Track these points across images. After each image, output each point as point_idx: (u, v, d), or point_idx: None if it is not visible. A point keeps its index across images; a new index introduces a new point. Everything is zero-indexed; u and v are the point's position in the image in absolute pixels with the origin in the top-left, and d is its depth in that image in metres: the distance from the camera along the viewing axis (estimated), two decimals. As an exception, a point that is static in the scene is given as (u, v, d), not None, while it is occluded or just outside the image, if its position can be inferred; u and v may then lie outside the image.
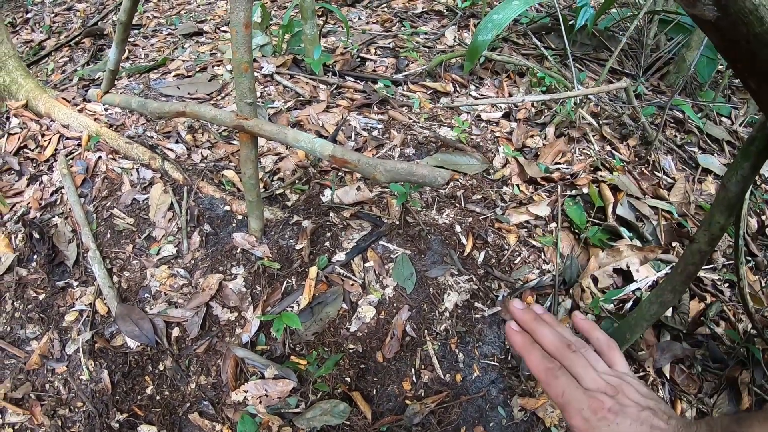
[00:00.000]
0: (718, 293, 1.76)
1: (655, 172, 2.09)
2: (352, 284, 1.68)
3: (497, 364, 1.60)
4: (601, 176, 2.02)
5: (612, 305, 1.74)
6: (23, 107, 2.04)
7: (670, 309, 1.72)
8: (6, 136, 1.98)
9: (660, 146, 2.14)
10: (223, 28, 2.81)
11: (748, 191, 1.30)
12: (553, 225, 1.91)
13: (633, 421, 0.51)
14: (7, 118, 2.04)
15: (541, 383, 0.59)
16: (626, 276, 1.79)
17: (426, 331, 1.62)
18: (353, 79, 2.39)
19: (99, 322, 1.67)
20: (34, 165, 1.98)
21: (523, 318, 0.68)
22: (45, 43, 2.70)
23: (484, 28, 2.11)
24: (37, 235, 1.78)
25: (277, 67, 2.35)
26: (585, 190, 1.99)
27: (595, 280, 1.77)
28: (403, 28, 2.82)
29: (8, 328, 1.67)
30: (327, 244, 1.77)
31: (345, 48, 2.57)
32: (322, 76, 2.34)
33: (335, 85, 2.32)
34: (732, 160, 1.56)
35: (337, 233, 1.80)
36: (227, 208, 1.86)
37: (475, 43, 2.11)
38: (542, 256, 1.83)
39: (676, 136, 2.29)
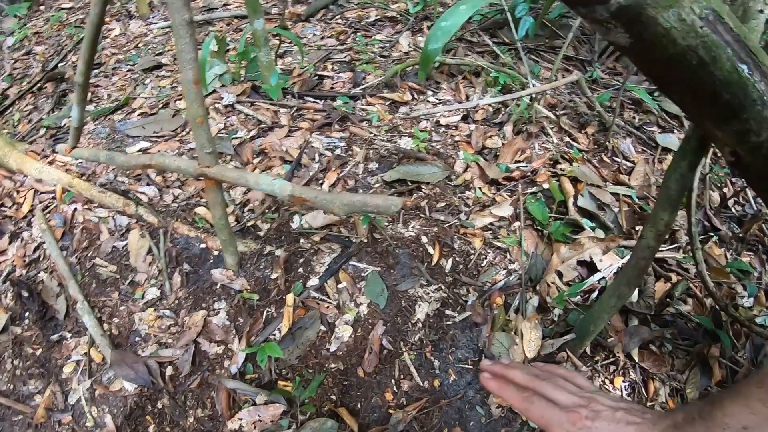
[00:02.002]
0: (683, 272, 1.84)
1: (615, 158, 2.16)
2: (328, 306, 1.77)
3: (471, 366, 1.70)
4: (561, 169, 2.10)
5: (579, 297, 1.83)
6: (-6, 166, 2.11)
7: (636, 293, 1.81)
8: (-19, 197, 2.05)
9: (618, 131, 2.20)
10: (182, 60, 2.82)
11: (695, 182, 1.38)
12: (516, 224, 1.99)
13: (609, 422, 0.58)
14: (-18, 180, 2.10)
15: (522, 412, 0.67)
16: (591, 267, 1.87)
17: (401, 343, 1.72)
18: (312, 99, 2.44)
19: (96, 369, 1.76)
20: (14, 223, 2.05)
21: (494, 369, 0.78)
22: (8, 91, 2.73)
23: (433, 37, 2.16)
24: (26, 293, 1.86)
25: (237, 96, 2.40)
26: (546, 186, 2.07)
27: (560, 274, 1.86)
28: (357, 40, 2.85)
29: (11, 386, 1.76)
30: (300, 270, 1.86)
31: (302, 68, 2.61)
32: (282, 100, 2.40)
33: (295, 108, 2.37)
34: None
35: (309, 258, 1.88)
36: (203, 245, 1.94)
37: (425, 52, 2.17)
38: (508, 257, 1.92)
39: (634, 117, 2.35)
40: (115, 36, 3.18)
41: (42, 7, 3.67)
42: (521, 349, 1.73)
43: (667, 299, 1.78)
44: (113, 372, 1.73)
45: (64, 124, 2.40)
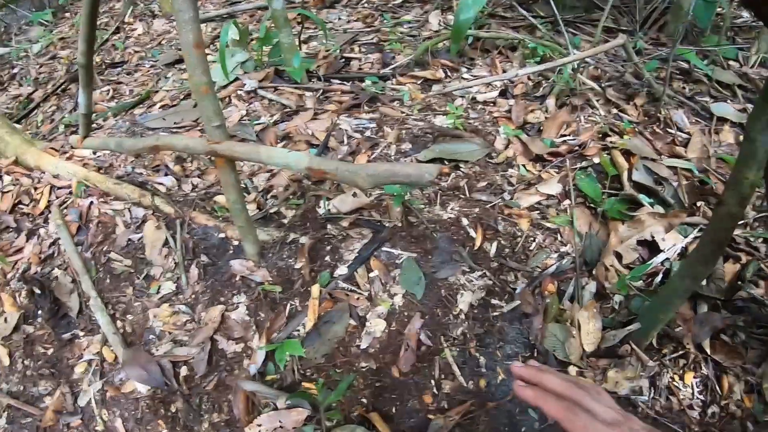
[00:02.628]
0: (753, 251, 1.59)
1: (668, 130, 1.92)
2: (358, 298, 1.59)
3: (522, 363, 1.48)
4: (611, 142, 1.87)
5: (641, 281, 1.60)
6: (13, 164, 2.04)
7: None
8: (0, 194, 1.97)
9: (669, 101, 1.97)
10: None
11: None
12: (566, 202, 1.77)
13: None
14: (0, 177, 2.03)
15: (562, 423, 0.62)
16: (652, 247, 1.64)
17: (442, 338, 1.52)
18: (339, 81, 2.30)
19: (108, 370, 1.63)
20: (31, 220, 1.96)
21: (527, 374, 0.74)
22: (33, 95, 2.71)
23: (464, 7, 1.99)
24: (38, 290, 1.76)
25: (260, 81, 2.28)
26: (596, 160, 1.85)
27: (619, 256, 1.63)
28: (384, 21, 2.70)
29: (21, 387, 1.65)
30: (327, 258, 1.69)
31: (327, 51, 2.48)
32: (306, 84, 2.26)
33: (321, 91, 2.23)
34: (751, 106, 1.39)
35: (336, 246, 1.71)
36: (222, 235, 1.80)
37: (457, 23, 1.99)
38: (559, 238, 1.71)
39: (684, 88, 2.12)
40: (139, 35, 3.14)
41: (67, 14, 3.70)
42: (578, 342, 1.51)
43: (738, 282, 1.52)
44: (125, 372, 1.59)
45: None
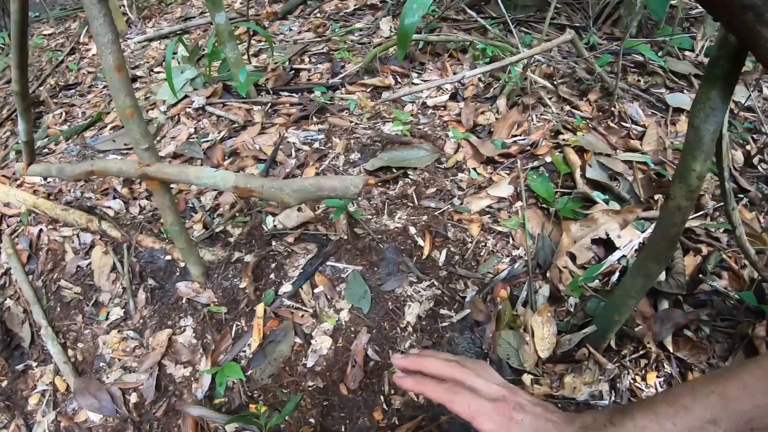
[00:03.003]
0: (713, 242, 1.55)
1: (623, 123, 1.89)
2: (303, 315, 1.55)
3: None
4: (564, 140, 1.84)
5: (597, 281, 1.56)
6: (-38, 193, 2.01)
7: (664, 273, 1.52)
8: (-51, 226, 1.95)
9: (623, 95, 1.93)
10: (156, 69, 2.74)
11: (725, 125, 1.10)
12: (518, 204, 1.73)
13: (533, 417, 0.56)
14: (-53, 209, 2.01)
15: (446, 404, 0.61)
16: (608, 245, 1.60)
17: (390, 352, 1.48)
18: (288, 94, 2.26)
19: (61, 399, 1.60)
20: (-20, 251, 1.94)
21: (407, 362, 0.71)
22: None
23: (409, 11, 1.94)
24: (-13, 323, 1.73)
25: (208, 98, 2.25)
26: (548, 159, 1.81)
27: (573, 257, 1.59)
28: (335, 30, 2.67)
29: (-21, 423, 1.63)
30: (272, 276, 1.65)
31: (275, 63, 2.45)
32: (255, 98, 2.23)
33: (269, 104, 2.20)
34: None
35: (281, 262, 1.67)
36: (168, 257, 1.76)
37: (402, 28, 1.95)
38: (511, 242, 1.67)
39: (639, 81, 2.08)
40: (93, 55, 3.11)
41: None
42: (533, 349, 1.47)
43: (699, 275, 1.49)
44: (77, 402, 1.56)
45: (38, 146, 2.30)
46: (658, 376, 1.43)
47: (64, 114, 2.55)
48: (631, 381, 1.43)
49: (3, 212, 1.99)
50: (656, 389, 1.43)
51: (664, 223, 1.13)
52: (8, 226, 1.97)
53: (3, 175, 2.11)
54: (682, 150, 1.01)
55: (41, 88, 2.77)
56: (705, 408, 0.51)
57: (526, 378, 1.43)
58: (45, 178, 2.09)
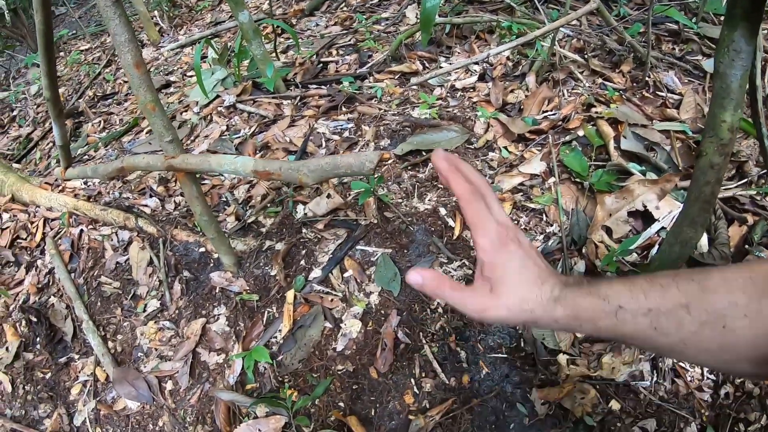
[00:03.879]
0: (760, 210, 1.44)
1: (658, 93, 1.79)
2: (332, 299, 1.54)
3: (507, 355, 1.39)
4: (597, 113, 1.76)
5: (635, 255, 1.47)
6: (10, 201, 2.13)
7: (706, 243, 1.43)
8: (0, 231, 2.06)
9: (658, 64, 1.83)
10: (188, 74, 2.82)
11: (758, 70, 1.02)
12: (551, 180, 1.67)
13: (525, 254, 0.56)
14: (-1, 215, 2.13)
15: (461, 202, 0.59)
16: (646, 217, 1.52)
17: (421, 334, 1.45)
18: (316, 86, 2.27)
19: (101, 389, 1.66)
20: (29, 252, 2.03)
21: (448, 158, 0.66)
22: (32, 134, 2.83)
23: (430, -7, 1.92)
24: (34, 318, 1.81)
25: (238, 95, 2.29)
26: (580, 133, 1.74)
27: (609, 230, 1.52)
28: (361, 22, 2.67)
29: (23, 412, 1.70)
30: (302, 262, 1.65)
31: (303, 58, 2.47)
32: (284, 92, 2.25)
33: (298, 97, 2.21)
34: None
35: (311, 249, 1.67)
36: (202, 249, 1.80)
37: (425, 10, 1.92)
38: (545, 218, 1.61)
39: (674, 49, 1.97)
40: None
41: (62, 53, 3.87)
42: (568, 327, 1.40)
43: (745, 246, 1.38)
44: (115, 391, 1.61)
45: (78, 154, 2.41)
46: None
47: (102, 122, 2.66)
48: (674, 360, 1.34)
49: (46, 216, 2.08)
50: (702, 369, 1.33)
51: (697, 183, 1.06)
52: (51, 229, 2.06)
53: (46, 182, 2.21)
54: (709, 102, 0.94)
55: (80, 100, 2.91)
56: (681, 291, 0.48)
57: (562, 358, 1.37)
58: (85, 182, 2.18)
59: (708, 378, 1.32)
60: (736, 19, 0.82)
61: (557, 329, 0.53)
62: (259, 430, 1.39)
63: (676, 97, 1.77)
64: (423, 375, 1.40)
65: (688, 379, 1.32)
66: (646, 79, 1.78)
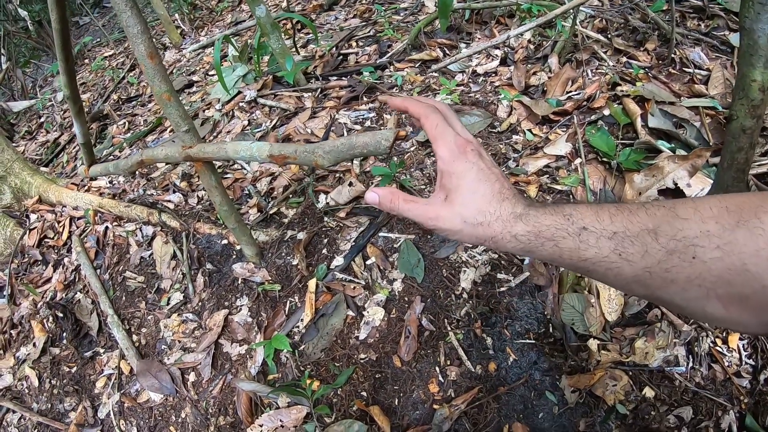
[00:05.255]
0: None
1: (685, 69, 1.71)
2: (354, 287, 1.52)
3: (535, 341, 1.34)
4: (622, 91, 1.69)
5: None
6: (38, 202, 2.17)
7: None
8: (27, 232, 2.10)
9: (683, 40, 1.76)
10: (210, 73, 2.85)
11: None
12: (577, 161, 1.61)
13: (485, 166, 0.54)
14: (27, 216, 2.17)
15: (421, 119, 0.60)
16: (678, 194, 1.45)
17: (445, 321, 1.41)
18: (337, 78, 2.26)
19: (125, 382, 1.67)
20: (56, 251, 2.07)
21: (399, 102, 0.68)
22: (59, 139, 2.90)
23: (447, -22, 1.89)
24: (61, 314, 1.83)
25: (259, 90, 2.30)
26: (606, 112, 1.68)
27: (640, 211, 1.45)
28: (380, 13, 2.66)
29: (49, 405, 1.72)
30: (324, 251, 1.63)
31: (323, 50, 2.46)
32: (305, 85, 2.24)
33: (319, 90, 2.21)
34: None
35: (333, 237, 1.65)
36: (224, 242, 1.79)
37: (442, -4, 1.90)
38: (572, 199, 1.55)
39: (699, 25, 1.89)
40: (153, 68, 3.28)
41: (86, 60, 3.97)
42: (599, 311, 1.34)
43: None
44: (139, 383, 1.62)
45: (104, 155, 2.45)
46: (741, 338, 1.26)
47: (127, 123, 2.71)
48: (711, 344, 1.27)
49: (72, 215, 2.12)
50: (740, 353, 1.25)
51: (729, 150, 1.00)
52: (77, 228, 2.10)
53: (72, 183, 2.26)
54: (737, 62, 0.89)
55: (105, 104, 2.97)
56: (649, 216, 0.45)
57: (593, 344, 1.31)
58: (110, 181, 2.21)
59: (746, 363, 1.24)
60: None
61: (515, 251, 0.52)
62: (281, 420, 1.37)
63: (703, 73, 1.70)
64: (448, 363, 1.36)
65: (726, 364, 1.25)
66: (672, 56, 1.71)
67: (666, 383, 1.24)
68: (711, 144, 1.49)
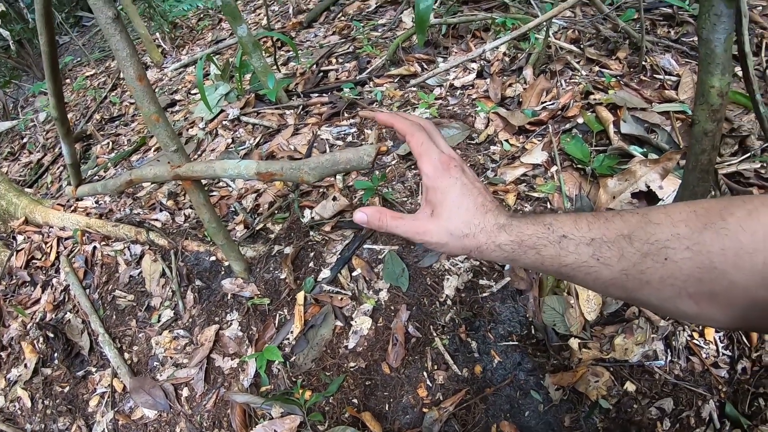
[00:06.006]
0: (765, 183, 1.43)
1: (656, 76, 1.79)
2: (341, 298, 1.56)
3: (518, 342, 1.39)
4: (595, 99, 1.77)
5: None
6: (24, 223, 2.18)
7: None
8: (15, 253, 2.11)
9: (653, 48, 1.84)
10: (193, 92, 2.88)
11: (745, 36, 1.02)
12: (553, 169, 1.67)
13: (468, 182, 0.57)
14: (14, 237, 2.18)
15: (406, 136, 0.62)
16: (651, 197, 1.51)
17: (431, 327, 1.45)
18: (318, 94, 2.31)
19: (118, 399, 1.68)
20: (44, 272, 2.08)
21: (389, 113, 0.71)
22: (43, 160, 2.91)
23: (422, -6, 1.95)
24: (51, 335, 1.84)
25: (242, 108, 2.34)
26: (580, 120, 1.75)
27: (614, 214, 1.51)
28: (357, 28, 2.72)
29: (43, 426, 1.72)
30: (311, 264, 1.67)
31: (303, 68, 2.51)
32: (287, 102, 2.29)
33: (301, 107, 2.25)
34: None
35: (319, 251, 1.69)
36: (213, 258, 1.82)
37: (418, 12, 1.95)
38: (549, 206, 1.61)
39: (669, 32, 1.97)
40: (136, 88, 3.31)
41: (67, 80, 3.97)
42: (579, 312, 1.40)
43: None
44: (133, 400, 1.63)
45: (88, 175, 2.46)
46: (716, 331, 1.32)
47: (110, 143, 2.72)
48: (688, 338, 1.33)
49: (59, 235, 2.13)
50: (716, 345, 1.31)
51: (693, 152, 1.06)
52: (65, 248, 2.11)
53: (58, 204, 2.27)
54: (697, 69, 0.95)
55: (88, 124, 2.98)
56: (624, 222, 0.49)
57: (574, 343, 1.36)
58: (96, 201, 2.23)
59: (724, 354, 1.30)
60: (715, -18, 0.83)
61: (500, 260, 0.55)
62: (275, 430, 1.40)
63: (673, 78, 1.78)
64: (435, 367, 1.40)
65: (704, 356, 1.30)
66: (643, 63, 1.79)
67: (646, 377, 1.29)
68: (681, 147, 1.56)
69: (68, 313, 1.92)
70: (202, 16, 4.33)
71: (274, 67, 2.61)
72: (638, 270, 0.47)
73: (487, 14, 2.20)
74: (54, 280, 2.03)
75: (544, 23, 1.81)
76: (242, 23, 2.09)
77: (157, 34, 3.81)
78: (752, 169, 1.46)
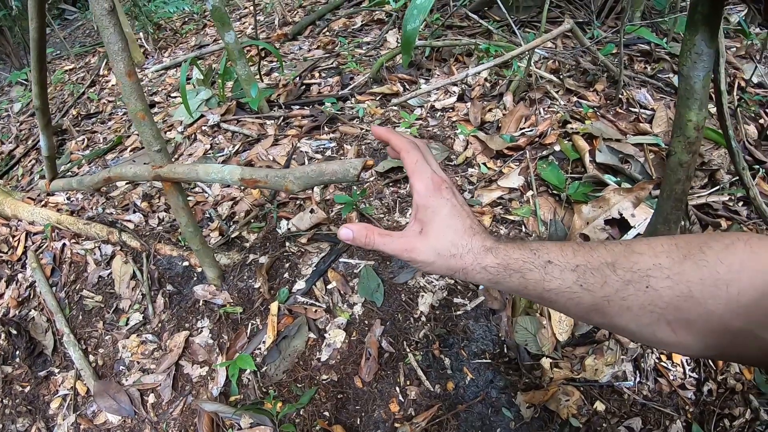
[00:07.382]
0: (733, 215, 1.50)
1: (632, 109, 1.88)
2: (316, 310, 1.56)
3: (491, 360, 1.41)
4: (572, 129, 1.83)
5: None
6: (-9, 215, 2.11)
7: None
8: (-22, 246, 2.04)
9: (630, 82, 1.93)
10: (173, 95, 2.85)
11: (722, 74, 1.08)
12: (529, 193, 1.72)
13: (458, 204, 0.58)
14: (-21, 229, 2.10)
15: (402, 153, 0.64)
16: (623, 224, 1.57)
17: (404, 343, 1.46)
18: (299, 107, 2.33)
19: (81, 403, 1.63)
20: (9, 266, 2.01)
21: (386, 128, 0.72)
22: (14, 151, 2.82)
23: (410, 17, 1.98)
24: (14, 331, 1.78)
25: (222, 115, 2.33)
26: (557, 148, 1.81)
27: (587, 238, 1.57)
28: (343, 45, 2.76)
29: (1, 426, 1.65)
30: (286, 275, 1.67)
31: (286, 79, 2.53)
32: (268, 113, 2.29)
33: (282, 117, 2.26)
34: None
35: (295, 262, 1.69)
36: (186, 263, 1.80)
37: (405, 33, 1.99)
38: (523, 229, 1.65)
39: (646, 68, 2.08)
40: (112, 85, 3.28)
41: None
42: (551, 332, 1.44)
43: (721, 250, 1.43)
44: (96, 404, 1.58)
45: (61, 171, 2.40)
46: (684, 355, 1.37)
47: (86, 140, 2.66)
48: (656, 360, 1.37)
49: (28, 230, 2.07)
50: (683, 367, 1.37)
51: (668, 182, 1.11)
52: (33, 243, 2.05)
53: (29, 197, 2.20)
54: (676, 103, 1.01)
55: (64, 118, 2.91)
56: (608, 251, 0.51)
57: (545, 362, 1.39)
58: (68, 198, 2.17)
59: (690, 376, 1.36)
60: (697, 23, 0.89)
61: (484, 282, 0.57)
62: (244, 441, 1.38)
63: (648, 112, 1.87)
64: (408, 383, 1.41)
65: (671, 378, 1.35)
66: (620, 96, 1.87)
67: (615, 397, 1.33)
68: (653, 177, 1.63)
69: (33, 310, 1.86)
70: (187, 19, 4.31)
71: (257, 76, 2.62)
72: (620, 297, 0.49)
73: (471, 40, 2.26)
74: (20, 276, 1.96)
75: (527, 52, 1.88)
76: (230, 29, 2.09)
77: (141, 34, 3.77)
78: (720, 202, 1.53)
